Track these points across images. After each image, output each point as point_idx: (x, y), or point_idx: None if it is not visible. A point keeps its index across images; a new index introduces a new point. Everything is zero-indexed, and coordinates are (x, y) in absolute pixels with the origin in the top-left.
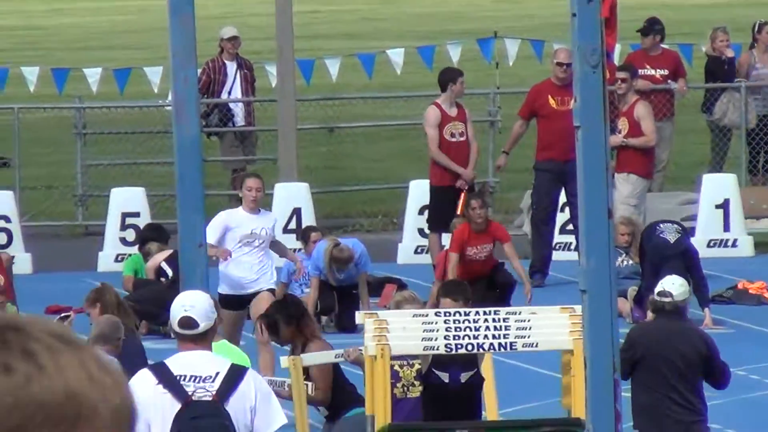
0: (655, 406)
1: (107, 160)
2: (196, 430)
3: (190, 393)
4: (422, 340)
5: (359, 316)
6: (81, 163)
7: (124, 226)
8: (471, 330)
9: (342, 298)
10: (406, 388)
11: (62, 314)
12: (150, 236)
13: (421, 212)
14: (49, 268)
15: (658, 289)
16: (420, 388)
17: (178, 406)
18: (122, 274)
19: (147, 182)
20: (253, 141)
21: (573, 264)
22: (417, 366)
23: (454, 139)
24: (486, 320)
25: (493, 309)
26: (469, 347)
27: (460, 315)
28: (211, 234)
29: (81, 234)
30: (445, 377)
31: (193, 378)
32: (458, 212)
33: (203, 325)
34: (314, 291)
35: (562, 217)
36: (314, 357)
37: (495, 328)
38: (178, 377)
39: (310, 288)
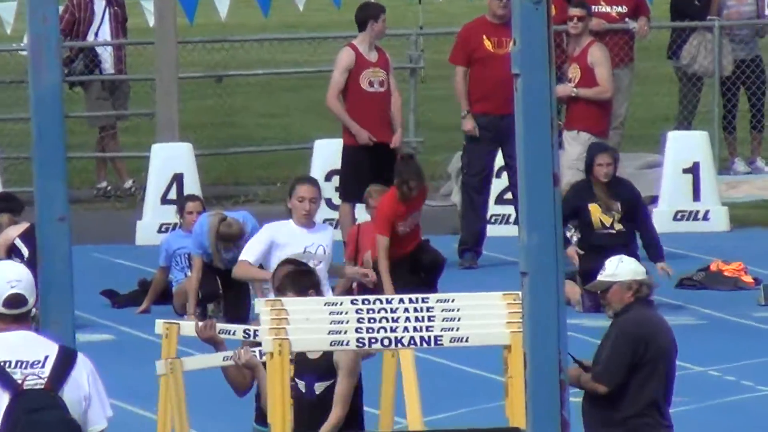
0: (650, 416)
1: None
2: (36, 427)
3: (19, 381)
4: (329, 334)
5: (259, 304)
6: None
7: None
8: (388, 321)
9: (229, 282)
10: None
11: None
12: (0, 207)
13: (328, 178)
14: None
15: (607, 271)
16: None
17: (6, 397)
18: None
19: None
20: (126, 92)
21: (512, 240)
22: None
23: (372, 89)
24: (407, 309)
25: (416, 296)
26: (386, 342)
27: (379, 303)
28: (251, 252)
29: None
30: (302, 386)
31: (19, 363)
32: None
33: (30, 302)
34: (196, 273)
35: (498, 184)
36: (197, 360)
37: (417, 318)
38: (1, 363)
39: (191, 270)
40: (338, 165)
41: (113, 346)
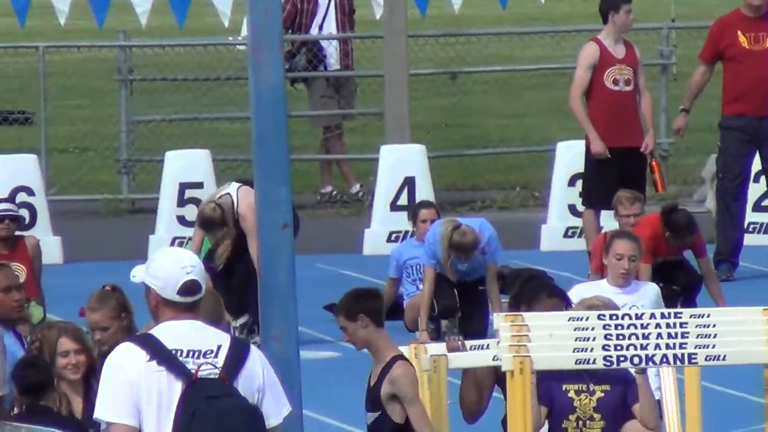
0: None
1: (160, 115)
2: (219, 414)
3: (192, 370)
4: (574, 351)
5: (498, 319)
6: (126, 118)
7: (182, 201)
8: (638, 338)
9: (465, 297)
10: (581, 424)
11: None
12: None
13: (572, 183)
14: (85, 255)
15: None
16: (602, 423)
17: (178, 385)
18: None
19: (212, 143)
20: (352, 90)
21: None
22: (600, 394)
23: (617, 88)
24: (658, 325)
25: (669, 311)
26: (635, 360)
27: (628, 318)
28: None
29: (126, 211)
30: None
31: (191, 353)
32: (658, 189)
33: (203, 289)
34: (429, 285)
35: (756, 190)
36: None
37: (670, 335)
38: (174, 352)
39: (423, 282)
40: (582, 168)
41: (338, 364)
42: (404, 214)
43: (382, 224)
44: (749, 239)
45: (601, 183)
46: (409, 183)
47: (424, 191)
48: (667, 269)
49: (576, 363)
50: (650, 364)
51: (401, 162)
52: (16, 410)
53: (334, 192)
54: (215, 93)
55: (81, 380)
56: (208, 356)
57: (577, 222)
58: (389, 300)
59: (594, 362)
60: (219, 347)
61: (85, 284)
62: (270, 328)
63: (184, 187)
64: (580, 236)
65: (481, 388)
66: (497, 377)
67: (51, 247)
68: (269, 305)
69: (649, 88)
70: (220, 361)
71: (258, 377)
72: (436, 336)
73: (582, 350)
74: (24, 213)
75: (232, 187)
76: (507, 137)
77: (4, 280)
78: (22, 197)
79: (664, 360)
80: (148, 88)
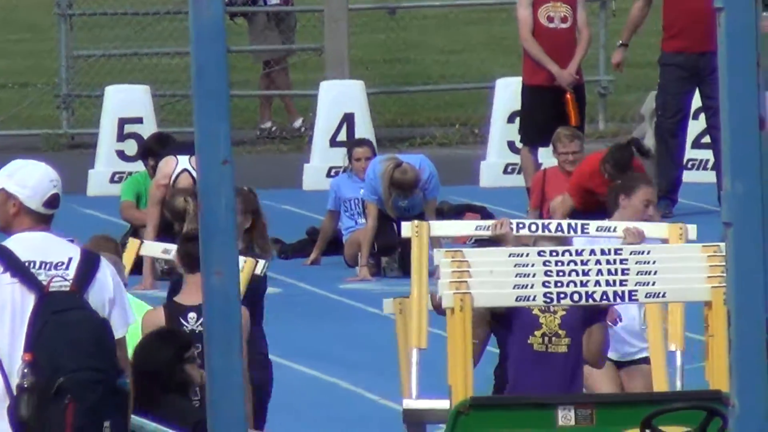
0: None
1: (100, 50)
2: (66, 327)
3: (44, 282)
4: (514, 288)
5: (437, 255)
6: (66, 53)
7: (122, 136)
8: (578, 274)
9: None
10: (546, 340)
11: None
12: (156, 150)
13: (511, 120)
14: None
15: None
16: (567, 340)
17: (31, 297)
18: (120, 198)
19: (152, 79)
20: (292, 25)
21: (710, 188)
22: (561, 312)
23: (552, 25)
24: (598, 261)
25: (609, 247)
26: (575, 296)
27: (568, 255)
28: None
29: (66, 146)
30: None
31: (43, 264)
32: (571, 122)
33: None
34: (372, 220)
35: (695, 127)
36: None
37: (610, 272)
38: (26, 263)
39: (365, 218)
40: (520, 106)
41: (280, 300)
42: (343, 150)
43: (322, 160)
44: (688, 176)
45: (538, 120)
46: (349, 119)
47: (364, 127)
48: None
49: (516, 300)
50: (590, 300)
51: (340, 97)
52: None
53: (274, 128)
54: (155, 28)
55: None
56: (59, 268)
57: (517, 159)
58: (328, 233)
59: (534, 299)
60: (70, 259)
61: None
62: (211, 263)
63: (123, 122)
64: (519, 173)
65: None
66: (490, 328)
67: None
68: (210, 241)
69: (589, 24)
70: (71, 273)
71: (108, 289)
72: (376, 271)
73: (522, 287)
74: None
75: (184, 161)
76: (446, 73)
77: None
78: None
79: (604, 297)
80: (87, 23)
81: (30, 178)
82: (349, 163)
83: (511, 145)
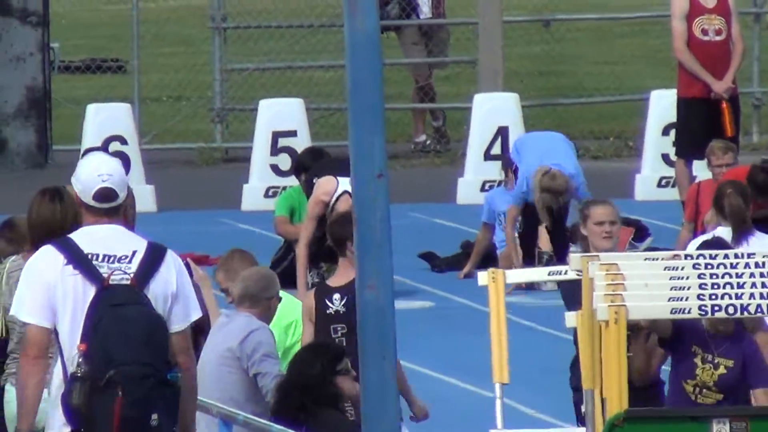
0: None
1: (254, 64)
2: (121, 321)
3: (105, 275)
4: (669, 300)
5: (593, 268)
6: (220, 67)
7: (276, 150)
8: (733, 287)
9: (554, 239)
10: (697, 390)
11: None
12: (308, 164)
13: (665, 132)
14: (178, 204)
15: None
16: (719, 396)
17: (92, 290)
18: (274, 214)
19: (306, 92)
20: (444, 38)
21: None
22: (722, 370)
23: (707, 38)
24: (753, 274)
25: (763, 258)
26: (730, 309)
27: (723, 267)
28: None
29: (220, 160)
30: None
31: (106, 257)
32: (727, 133)
33: (122, 196)
34: (510, 226)
35: None
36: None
37: (764, 284)
38: (89, 256)
39: (516, 231)
40: (675, 118)
41: (433, 314)
42: (497, 164)
43: (476, 173)
44: None
45: (694, 133)
46: (503, 132)
47: None
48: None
49: (671, 312)
50: (745, 313)
51: (494, 111)
52: None
53: (428, 141)
54: (309, 41)
55: None
56: (122, 261)
57: (671, 172)
58: (482, 246)
59: (689, 311)
60: (134, 253)
61: (178, 232)
62: (365, 277)
63: (277, 135)
64: (673, 186)
65: (649, 354)
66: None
67: (144, 196)
68: (364, 254)
69: (743, 36)
70: (134, 267)
71: (171, 283)
72: (531, 284)
73: (677, 299)
74: None
75: (345, 183)
76: (600, 86)
77: None
78: (115, 146)
79: (759, 310)
80: (241, 36)
81: (82, 173)
82: (506, 176)
83: (665, 157)
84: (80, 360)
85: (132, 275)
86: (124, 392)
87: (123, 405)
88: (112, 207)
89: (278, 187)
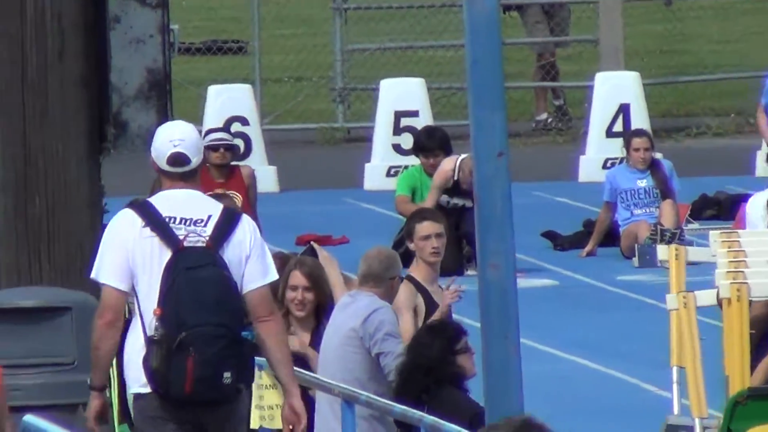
0: None
1: (375, 44)
2: (194, 284)
3: (181, 237)
4: None
5: (713, 237)
6: (341, 47)
7: (398, 130)
8: None
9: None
10: None
11: (308, 243)
12: (425, 144)
13: None
14: (300, 184)
15: None
16: None
17: (168, 253)
18: (395, 193)
19: (427, 71)
20: (566, 17)
21: None
22: None
23: None
24: None
25: None
26: None
27: None
28: None
29: (341, 140)
30: None
31: (183, 220)
32: None
33: (195, 161)
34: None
35: None
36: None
37: None
38: (166, 219)
39: (638, 208)
40: None
41: (556, 292)
42: (619, 141)
43: (597, 151)
44: None
45: None
46: (624, 110)
47: (639, 118)
48: None
49: None
50: None
51: (616, 89)
52: None
53: (549, 119)
54: (430, 21)
55: (311, 316)
56: (198, 225)
57: None
58: (604, 224)
59: None
60: (209, 217)
61: (300, 213)
62: (487, 256)
63: (399, 115)
64: None
65: None
66: None
67: (266, 176)
68: (486, 233)
69: None
70: (209, 230)
71: (245, 246)
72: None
73: None
74: (239, 143)
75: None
76: (722, 63)
77: None
78: (236, 127)
79: None
80: (362, 17)
81: (157, 140)
82: (627, 154)
83: None
84: (157, 324)
85: (207, 238)
86: (196, 352)
87: (195, 365)
88: (186, 171)
89: (400, 167)
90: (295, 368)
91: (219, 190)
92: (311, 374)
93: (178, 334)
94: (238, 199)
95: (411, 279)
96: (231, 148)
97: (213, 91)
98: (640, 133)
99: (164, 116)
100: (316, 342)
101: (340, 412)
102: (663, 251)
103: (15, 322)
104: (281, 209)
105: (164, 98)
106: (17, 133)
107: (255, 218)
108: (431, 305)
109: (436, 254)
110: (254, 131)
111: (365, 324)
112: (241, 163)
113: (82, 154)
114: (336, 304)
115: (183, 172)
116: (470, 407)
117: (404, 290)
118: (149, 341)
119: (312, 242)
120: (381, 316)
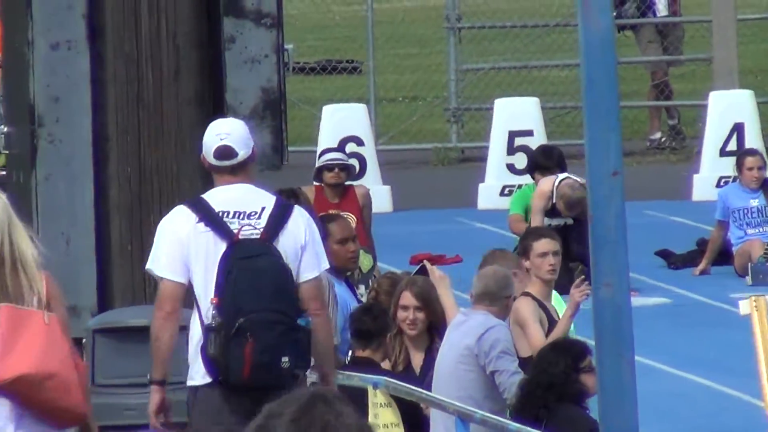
0: None
1: (488, 64)
2: (251, 272)
3: (235, 231)
4: None
5: None
6: (455, 67)
7: (512, 149)
8: None
9: None
10: None
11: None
12: (541, 163)
13: None
14: (414, 204)
15: None
16: None
17: (223, 245)
18: (509, 212)
19: (541, 91)
20: (679, 36)
21: None
22: None
23: None
24: None
25: None
26: None
27: None
28: None
29: (455, 160)
30: None
31: (237, 214)
32: None
33: (242, 154)
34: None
35: None
36: None
37: None
38: (220, 213)
39: (751, 228)
40: None
41: (670, 310)
42: (733, 160)
43: (711, 170)
44: None
45: None
46: (738, 129)
47: (753, 137)
48: None
49: None
50: None
51: (730, 108)
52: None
53: (663, 138)
54: (544, 40)
55: (424, 335)
56: (252, 217)
57: None
58: (717, 243)
59: None
60: (263, 209)
61: (414, 232)
62: (600, 274)
63: (513, 135)
64: None
65: None
66: None
67: (381, 196)
68: (600, 252)
69: None
70: (263, 222)
71: (299, 237)
72: None
73: None
74: (354, 163)
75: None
76: None
77: (340, 231)
78: (351, 147)
79: None
80: (476, 36)
81: (205, 136)
82: (739, 173)
83: None
84: (214, 312)
85: (261, 230)
86: (254, 338)
87: (254, 350)
88: (234, 164)
89: (513, 186)
90: (409, 386)
91: (333, 211)
92: (426, 392)
93: (236, 320)
94: (352, 219)
95: (529, 295)
96: (346, 168)
97: (327, 110)
98: (752, 152)
99: (278, 136)
100: (429, 361)
101: (455, 431)
102: (744, 305)
103: (128, 341)
104: (395, 229)
105: (278, 118)
106: (132, 152)
107: (369, 238)
108: (551, 322)
109: (552, 272)
110: (369, 151)
111: (480, 342)
112: (355, 183)
113: (195, 173)
114: (450, 323)
115: (231, 165)
116: (588, 424)
117: (527, 304)
118: (207, 329)
119: (425, 261)
120: (496, 334)
